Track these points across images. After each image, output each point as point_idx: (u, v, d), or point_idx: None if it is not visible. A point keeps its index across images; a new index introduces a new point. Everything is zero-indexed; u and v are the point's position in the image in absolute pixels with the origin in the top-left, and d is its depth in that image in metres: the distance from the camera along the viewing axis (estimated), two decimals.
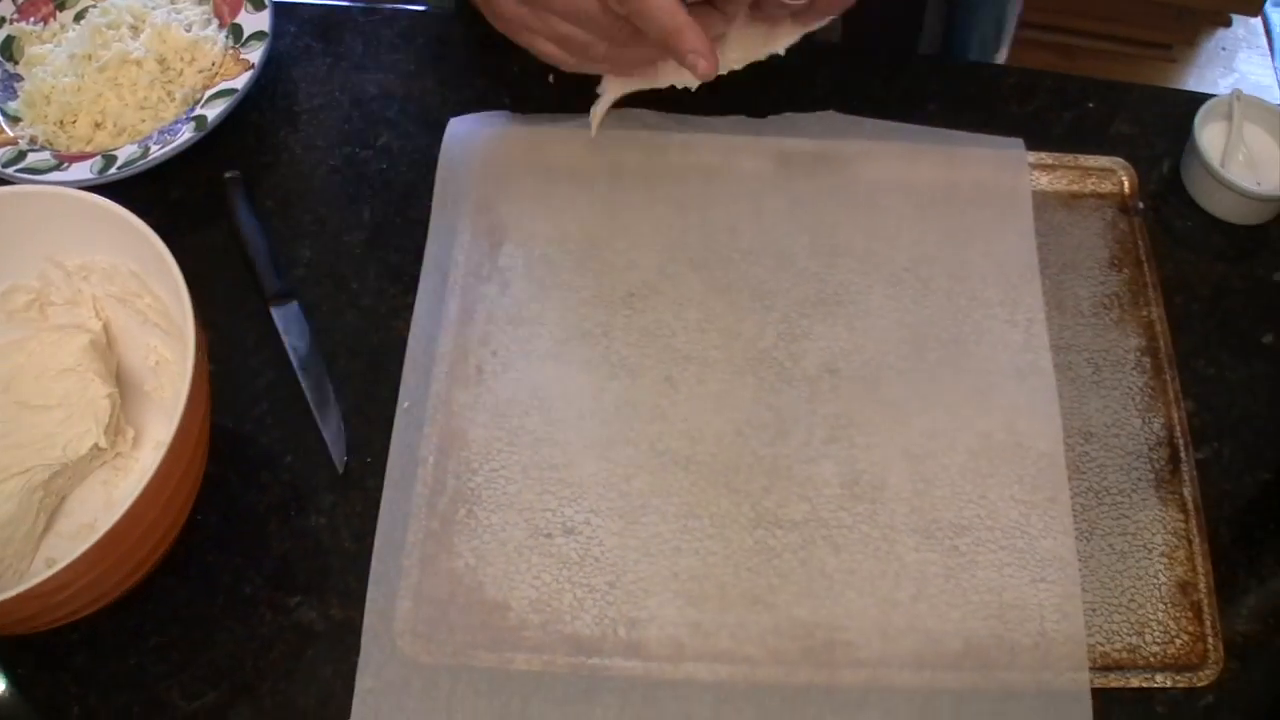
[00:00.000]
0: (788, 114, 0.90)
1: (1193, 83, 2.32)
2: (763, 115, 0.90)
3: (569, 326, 0.82)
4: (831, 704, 0.70)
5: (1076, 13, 2.26)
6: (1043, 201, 0.89)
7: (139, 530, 0.65)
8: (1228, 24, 2.36)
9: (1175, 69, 2.35)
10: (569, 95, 0.88)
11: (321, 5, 1.00)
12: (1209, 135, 0.91)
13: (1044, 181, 0.90)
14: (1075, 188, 0.90)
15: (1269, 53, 2.40)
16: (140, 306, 0.78)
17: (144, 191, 0.88)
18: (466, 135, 0.89)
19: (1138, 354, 0.83)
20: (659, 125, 0.89)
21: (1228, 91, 0.92)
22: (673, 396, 0.80)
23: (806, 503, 0.76)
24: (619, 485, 0.77)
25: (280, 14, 0.96)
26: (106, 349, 0.79)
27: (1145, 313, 0.84)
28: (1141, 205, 0.89)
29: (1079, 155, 0.91)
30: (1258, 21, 2.41)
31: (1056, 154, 0.91)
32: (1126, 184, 0.90)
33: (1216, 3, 2.26)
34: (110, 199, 0.74)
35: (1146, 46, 2.34)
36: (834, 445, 0.78)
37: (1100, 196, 0.90)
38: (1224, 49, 2.38)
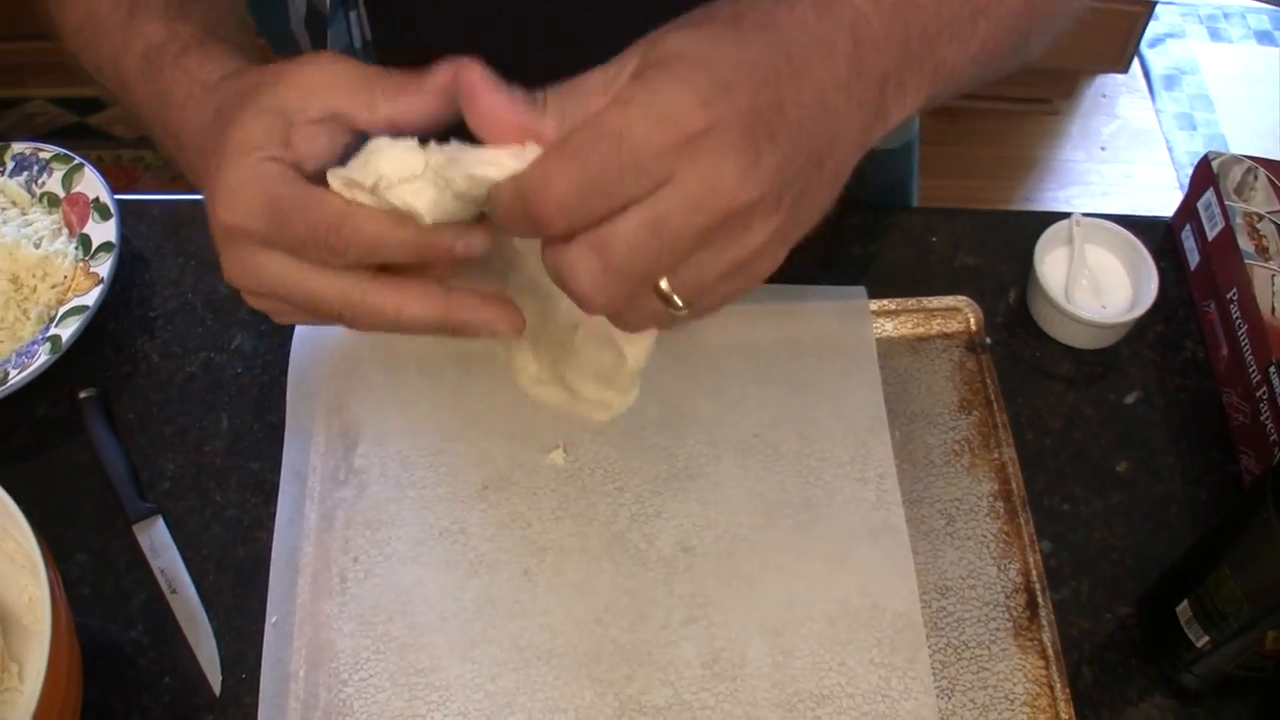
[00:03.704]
0: None
1: (1076, 132, 2.36)
2: None
3: (426, 526, 0.83)
4: None
5: None
6: (888, 348, 0.90)
7: None
8: (1105, 71, 2.40)
9: (1058, 121, 2.39)
10: None
11: (170, 201, 1.01)
12: (1050, 263, 0.92)
13: (889, 327, 0.91)
14: (921, 330, 0.92)
15: (1149, 95, 2.44)
16: (7, 550, 0.79)
17: (8, 412, 0.89)
18: (314, 334, 0.90)
19: (991, 499, 0.84)
20: None
21: (1070, 214, 0.94)
22: (531, 590, 0.81)
23: (669, 687, 0.77)
24: (484, 686, 0.77)
25: (130, 213, 0.97)
26: None
27: (996, 455, 0.86)
28: (989, 341, 0.91)
29: (922, 298, 0.92)
30: (1135, 65, 2.45)
31: (899, 299, 0.92)
32: (972, 321, 0.92)
33: (1085, 62, 2.29)
34: None
35: (1027, 102, 2.38)
36: (692, 625, 0.79)
37: (947, 336, 0.91)
38: (1104, 95, 2.42)
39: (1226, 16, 2.72)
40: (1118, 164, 2.40)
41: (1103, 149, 2.41)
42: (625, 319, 0.55)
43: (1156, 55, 2.59)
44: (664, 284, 0.51)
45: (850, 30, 0.53)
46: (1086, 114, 2.42)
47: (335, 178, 0.54)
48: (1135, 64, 2.49)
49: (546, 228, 0.50)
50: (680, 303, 0.52)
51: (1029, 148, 2.39)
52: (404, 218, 0.53)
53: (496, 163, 0.51)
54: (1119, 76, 2.46)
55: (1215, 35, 2.67)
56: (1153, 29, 2.63)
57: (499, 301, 0.57)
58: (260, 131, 0.56)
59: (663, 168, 0.48)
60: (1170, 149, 2.43)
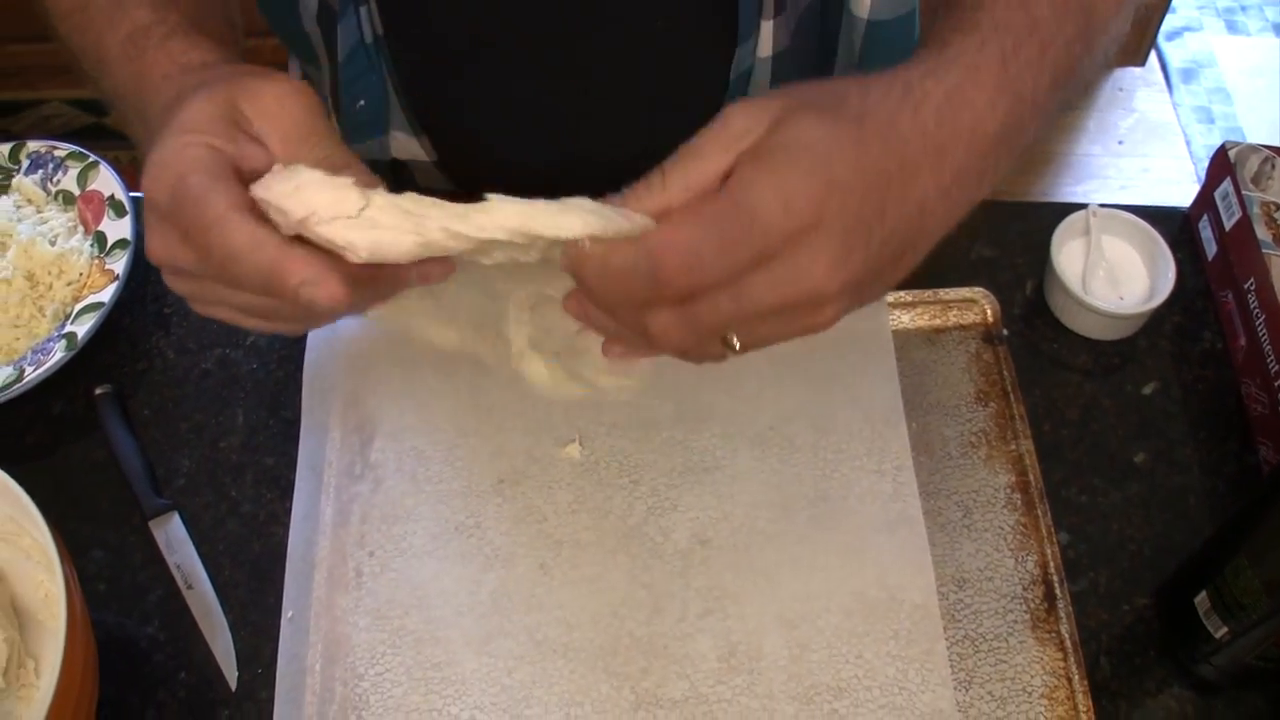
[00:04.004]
0: None
1: (1093, 126, 2.34)
2: None
3: (442, 520, 0.83)
4: None
5: None
6: (905, 340, 0.90)
7: None
8: (1122, 65, 2.39)
9: (1075, 115, 2.38)
10: None
11: None
12: (1068, 255, 0.92)
13: (905, 320, 0.91)
14: (937, 322, 0.91)
15: (1166, 89, 2.43)
16: (23, 545, 0.80)
17: (25, 409, 0.90)
18: (331, 330, 0.90)
19: (1008, 491, 0.84)
20: None
21: (1087, 205, 0.94)
22: (547, 584, 0.80)
23: (685, 680, 0.77)
24: (500, 679, 0.77)
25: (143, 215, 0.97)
26: (0, 586, 0.80)
27: (1014, 446, 0.85)
28: (1006, 332, 0.90)
29: (939, 290, 0.92)
30: (1153, 58, 2.44)
31: (916, 290, 0.92)
32: (989, 313, 0.91)
33: None
34: None
35: None
36: (709, 618, 0.79)
37: (964, 328, 0.91)
38: (1121, 89, 2.41)
39: (1244, 9, 2.71)
40: (1135, 158, 2.39)
41: (1120, 143, 2.40)
42: (687, 356, 0.58)
43: (1174, 48, 2.58)
44: (735, 342, 0.55)
45: (968, 139, 0.56)
46: (1104, 108, 2.41)
47: (257, 193, 0.55)
48: (1153, 57, 2.48)
49: (666, 287, 0.52)
50: (739, 347, 0.56)
51: (1046, 142, 2.38)
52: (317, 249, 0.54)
53: (558, 225, 0.52)
54: (1136, 70, 2.45)
55: (1233, 28, 2.66)
56: (1170, 22, 2.63)
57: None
58: (205, 118, 0.57)
59: (773, 246, 0.51)
60: (1188, 142, 2.42)
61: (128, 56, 0.66)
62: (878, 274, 0.55)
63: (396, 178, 1.00)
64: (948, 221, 0.57)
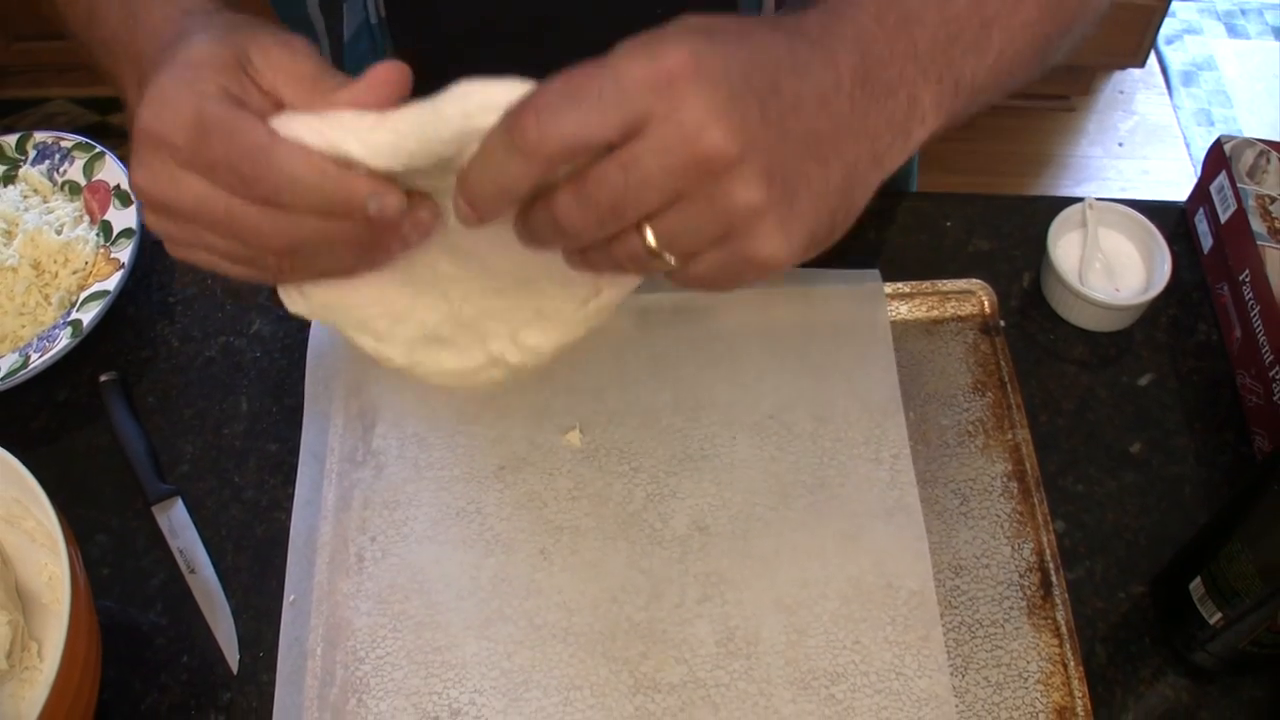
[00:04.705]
0: None
1: (1093, 129, 2.35)
2: None
3: (443, 506, 0.84)
4: None
5: None
6: (903, 331, 0.91)
7: None
8: (1123, 68, 2.40)
9: (1076, 117, 2.38)
10: None
11: None
12: (1064, 247, 0.93)
13: (903, 310, 0.92)
14: (935, 313, 0.92)
15: (1166, 91, 2.44)
16: (26, 528, 0.80)
17: (30, 396, 0.90)
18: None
19: (1004, 479, 0.85)
20: None
21: (1084, 198, 0.94)
22: (547, 569, 0.81)
23: (683, 664, 0.78)
24: (500, 663, 0.78)
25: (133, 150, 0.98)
26: (4, 570, 0.81)
27: (1010, 436, 0.86)
28: (1003, 323, 0.91)
29: (937, 280, 0.92)
30: (1153, 61, 2.45)
31: (914, 282, 0.92)
32: (986, 304, 0.92)
33: (1103, 57, 2.29)
34: None
35: (1044, 98, 2.38)
36: (707, 604, 0.80)
37: (961, 319, 0.92)
38: (1121, 92, 2.42)
39: (1244, 13, 2.71)
40: (1135, 160, 2.39)
41: (1120, 145, 2.41)
42: (597, 258, 0.55)
43: (1174, 52, 2.59)
44: (649, 234, 0.52)
45: (855, 44, 0.54)
46: (1104, 110, 2.42)
47: (279, 122, 0.54)
48: (1153, 60, 2.49)
49: (521, 139, 0.49)
50: (665, 253, 0.52)
51: (1046, 144, 2.39)
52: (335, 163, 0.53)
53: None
54: (1136, 73, 2.46)
55: (1233, 31, 2.66)
56: (1170, 25, 2.63)
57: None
58: (215, 59, 0.56)
59: (643, 102, 0.48)
60: (1188, 145, 2.42)
61: (121, 2, 0.65)
62: (796, 170, 0.51)
63: None
64: (871, 132, 0.55)
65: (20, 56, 2.46)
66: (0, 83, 2.54)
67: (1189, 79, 2.54)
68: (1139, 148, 2.41)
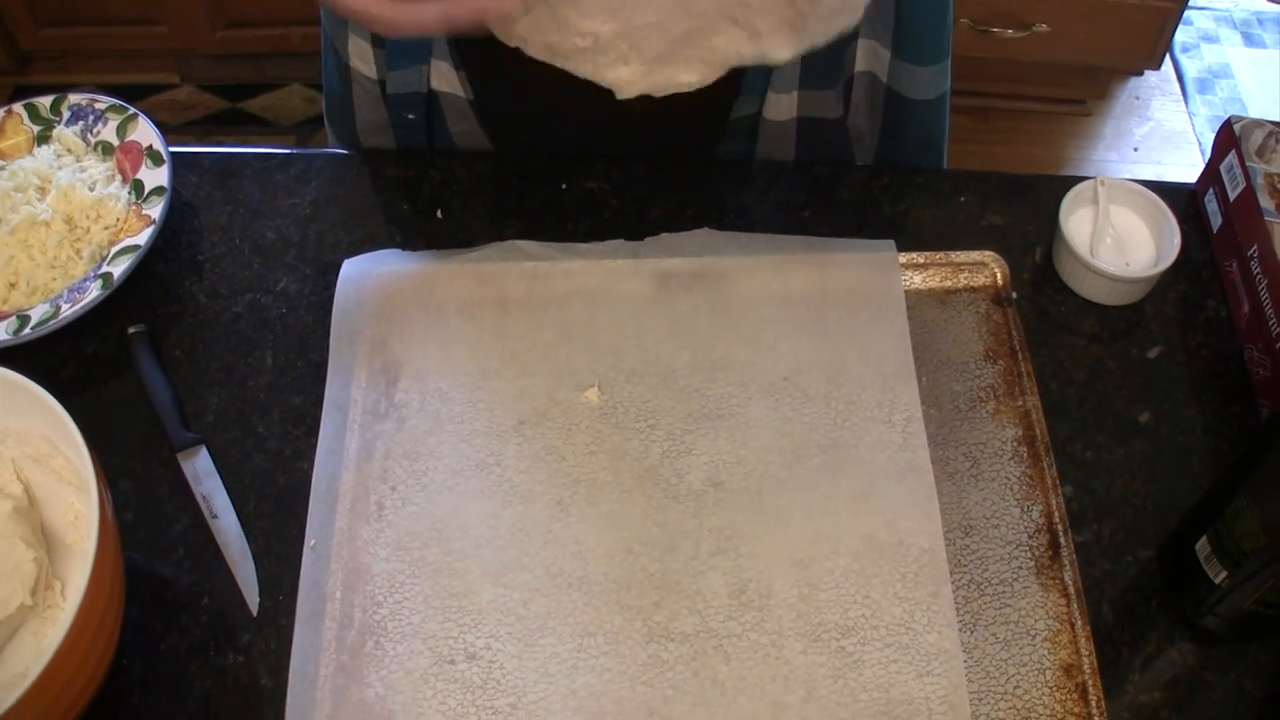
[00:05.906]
0: (664, 235, 0.93)
1: (1109, 133, 2.37)
2: (640, 238, 0.93)
3: (463, 458, 0.85)
4: None
5: (989, 76, 2.31)
6: (916, 300, 0.92)
7: (65, 676, 0.69)
8: (1139, 73, 2.41)
9: (1091, 122, 2.40)
10: (456, 230, 0.92)
11: (219, 153, 1.04)
12: (1076, 221, 0.94)
13: (917, 280, 0.93)
14: (948, 284, 0.93)
15: (1181, 98, 2.45)
16: (54, 466, 0.82)
17: (60, 346, 0.92)
18: (359, 276, 0.93)
19: (1015, 444, 0.86)
20: (541, 255, 0.92)
21: (1095, 176, 0.96)
22: (564, 520, 0.83)
23: (696, 615, 0.79)
24: (516, 610, 0.79)
25: (181, 165, 1.00)
26: (30, 510, 0.82)
27: (1021, 402, 0.87)
28: (1015, 295, 0.93)
29: (950, 252, 0.94)
30: (1169, 68, 2.46)
31: (928, 252, 0.94)
32: (999, 276, 0.93)
33: (1118, 59, 2.30)
34: (25, 357, 0.81)
35: (1060, 103, 2.39)
36: (720, 557, 0.81)
37: (973, 290, 0.93)
38: (1137, 98, 2.43)
39: (1261, 21, 2.72)
40: (1150, 165, 2.40)
41: (1135, 150, 2.42)
42: None
43: (1190, 60, 2.60)
44: None
45: None
46: (1119, 115, 2.44)
47: None
48: (1169, 67, 2.50)
49: None
50: None
51: (1062, 148, 2.40)
52: None
53: None
54: (1153, 79, 2.47)
55: (1250, 40, 2.68)
56: (1187, 34, 2.65)
57: None
58: None
59: None
60: (1203, 151, 2.43)
61: None
62: None
63: (430, 111, 1.02)
64: None
65: (48, 43, 2.49)
66: (28, 69, 2.57)
67: (1205, 86, 2.55)
68: (1154, 153, 2.42)
